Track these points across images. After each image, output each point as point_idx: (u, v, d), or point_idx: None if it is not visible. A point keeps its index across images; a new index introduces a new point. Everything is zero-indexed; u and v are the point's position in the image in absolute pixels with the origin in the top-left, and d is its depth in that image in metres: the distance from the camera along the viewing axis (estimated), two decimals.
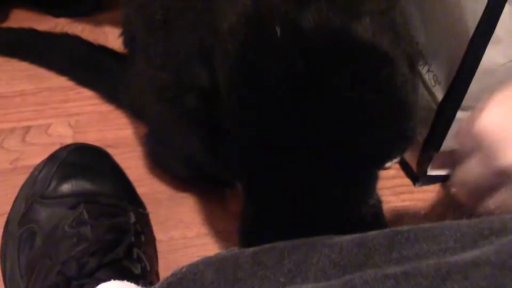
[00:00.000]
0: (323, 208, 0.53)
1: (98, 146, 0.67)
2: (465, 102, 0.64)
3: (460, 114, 0.65)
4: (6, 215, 0.63)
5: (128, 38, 0.71)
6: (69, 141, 0.79)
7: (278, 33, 0.46)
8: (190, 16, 0.56)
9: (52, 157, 0.64)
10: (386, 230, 0.38)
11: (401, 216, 0.60)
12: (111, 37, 0.74)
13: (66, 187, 0.61)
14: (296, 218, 0.53)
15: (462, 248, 0.33)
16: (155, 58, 0.62)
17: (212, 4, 0.53)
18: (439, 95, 0.65)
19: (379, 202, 0.59)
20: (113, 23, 0.95)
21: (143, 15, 0.63)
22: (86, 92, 0.88)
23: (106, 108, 0.86)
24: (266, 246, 0.42)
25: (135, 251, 0.57)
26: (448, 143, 0.68)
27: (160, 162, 0.76)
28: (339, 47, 0.46)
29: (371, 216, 0.57)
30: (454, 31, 0.61)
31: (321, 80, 0.46)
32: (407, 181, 0.77)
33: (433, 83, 0.66)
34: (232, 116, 0.51)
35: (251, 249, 0.42)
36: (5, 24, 0.98)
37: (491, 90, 0.63)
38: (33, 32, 0.93)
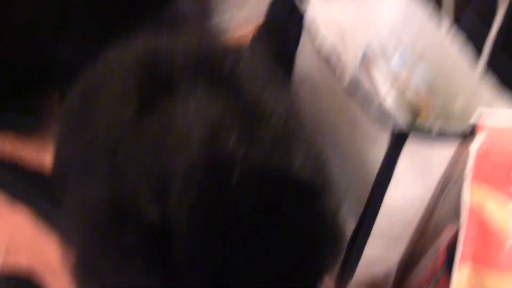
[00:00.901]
0: None
1: (28, 275, 0.67)
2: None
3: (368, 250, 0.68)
4: None
5: (61, 179, 0.72)
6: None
7: (234, 179, 0.48)
8: (138, 167, 0.58)
9: None
10: None
11: None
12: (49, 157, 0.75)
13: None
14: None
15: None
16: (95, 197, 0.63)
17: (159, 155, 0.55)
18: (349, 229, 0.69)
19: None
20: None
21: (82, 165, 0.65)
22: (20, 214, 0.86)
23: (40, 230, 0.84)
24: None
25: None
26: (360, 277, 0.71)
27: None
28: (287, 188, 0.50)
29: None
30: (360, 172, 0.66)
31: (275, 218, 0.50)
32: None
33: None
34: (188, 253, 0.52)
35: None
36: None
37: (396, 226, 0.67)
38: None
